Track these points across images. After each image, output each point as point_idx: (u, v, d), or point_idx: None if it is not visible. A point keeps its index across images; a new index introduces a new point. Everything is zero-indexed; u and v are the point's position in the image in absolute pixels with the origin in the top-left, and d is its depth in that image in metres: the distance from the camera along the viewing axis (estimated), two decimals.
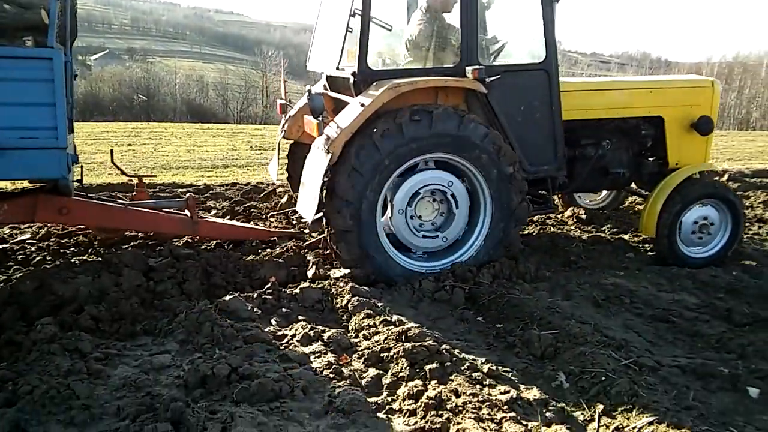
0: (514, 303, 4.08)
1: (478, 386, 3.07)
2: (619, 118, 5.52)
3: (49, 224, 5.63)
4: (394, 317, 3.80)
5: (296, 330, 3.73)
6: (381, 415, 2.87)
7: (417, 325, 3.66)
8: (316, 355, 3.45)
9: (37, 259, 4.97)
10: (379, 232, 4.58)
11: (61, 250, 5.23)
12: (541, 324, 3.76)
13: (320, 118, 4.58)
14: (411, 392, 2.99)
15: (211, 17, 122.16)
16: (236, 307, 3.93)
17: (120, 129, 16.39)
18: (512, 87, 4.90)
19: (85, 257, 5.00)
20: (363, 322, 3.79)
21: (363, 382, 3.17)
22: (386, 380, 3.18)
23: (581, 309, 4.14)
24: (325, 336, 3.64)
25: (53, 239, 5.49)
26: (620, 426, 2.77)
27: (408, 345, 3.35)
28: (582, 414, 2.94)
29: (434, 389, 2.98)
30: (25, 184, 5.18)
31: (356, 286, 4.28)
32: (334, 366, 3.29)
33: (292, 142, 6.26)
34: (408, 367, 3.21)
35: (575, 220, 6.65)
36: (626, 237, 6.13)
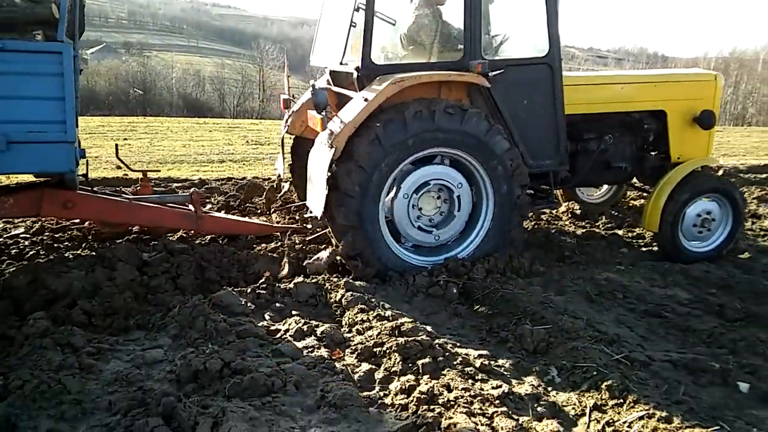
0: (508, 298, 4.09)
1: (470, 381, 3.08)
2: (622, 112, 5.50)
3: (42, 218, 5.61)
4: (388, 312, 3.80)
5: (289, 325, 3.73)
6: (373, 409, 2.87)
7: (410, 320, 3.66)
8: (309, 349, 3.45)
9: (31, 253, 4.96)
10: (381, 225, 4.57)
11: (55, 245, 5.22)
12: (534, 319, 3.77)
13: (324, 113, 4.58)
14: (403, 387, 3.00)
15: (208, 11, 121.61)
16: (230, 302, 3.93)
17: (116, 123, 16.37)
18: (515, 81, 4.90)
19: (78, 252, 4.99)
20: (356, 317, 3.80)
21: (356, 376, 3.17)
22: (379, 375, 3.19)
23: (574, 304, 4.15)
24: (319, 331, 3.64)
25: (47, 233, 5.48)
26: (611, 420, 2.78)
27: (401, 340, 3.35)
28: (573, 408, 2.95)
29: (426, 384, 2.99)
30: (24, 178, 5.15)
31: (350, 281, 4.29)
32: (327, 361, 3.30)
33: (295, 137, 6.23)
34: (401, 362, 3.22)
35: (570, 215, 6.66)
36: (620, 232, 6.15)
